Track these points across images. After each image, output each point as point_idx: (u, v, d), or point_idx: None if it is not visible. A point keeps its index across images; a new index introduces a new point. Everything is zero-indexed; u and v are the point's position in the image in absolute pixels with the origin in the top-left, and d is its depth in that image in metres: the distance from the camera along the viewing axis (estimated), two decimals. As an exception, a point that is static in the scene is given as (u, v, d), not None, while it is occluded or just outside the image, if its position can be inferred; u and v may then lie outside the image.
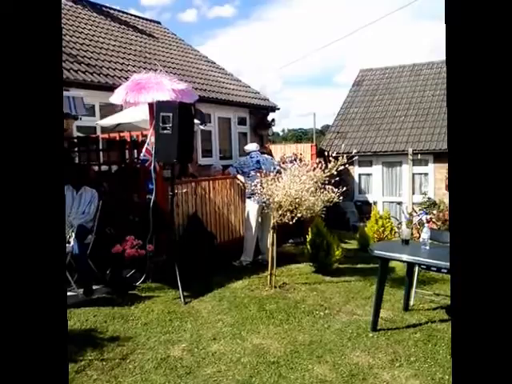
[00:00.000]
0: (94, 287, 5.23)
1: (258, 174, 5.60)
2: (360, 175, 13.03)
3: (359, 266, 6.85)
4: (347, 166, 5.35)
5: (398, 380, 3.39)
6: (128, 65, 8.96)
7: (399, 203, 12.59)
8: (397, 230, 9.56)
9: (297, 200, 5.15)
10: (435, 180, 12.16)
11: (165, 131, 4.99)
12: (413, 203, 11.58)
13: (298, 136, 55.42)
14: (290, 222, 5.20)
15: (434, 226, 9.06)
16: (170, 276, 5.24)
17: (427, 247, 4.34)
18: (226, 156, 11.08)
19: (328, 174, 5.15)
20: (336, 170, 5.18)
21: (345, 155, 5.19)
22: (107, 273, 5.49)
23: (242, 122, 11.44)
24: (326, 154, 5.27)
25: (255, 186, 5.39)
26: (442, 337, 4.14)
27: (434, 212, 10.50)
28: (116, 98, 5.50)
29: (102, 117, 8.01)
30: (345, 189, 5.34)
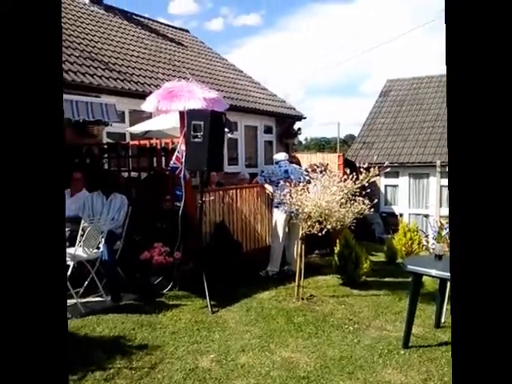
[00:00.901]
0: (122, 294, 5.24)
1: (287, 184, 5.55)
2: (386, 186, 12.87)
3: (387, 279, 6.72)
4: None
5: (433, 401, 3.28)
6: (158, 72, 9.05)
7: (426, 216, 12.38)
8: (425, 243, 9.38)
9: (326, 211, 5.08)
10: (463, 193, 11.92)
11: (196, 139, 5.00)
12: (440, 216, 11.37)
13: (321, 145, 55.25)
14: (319, 234, 5.13)
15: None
16: (196, 284, 5.22)
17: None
18: (251, 164, 11.08)
19: (359, 185, 5.07)
20: (367, 182, 5.10)
21: (377, 166, 5.11)
22: (135, 279, 5.50)
23: (268, 130, 11.44)
24: (358, 164, 5.17)
25: (284, 195, 5.34)
26: (477, 357, 4.00)
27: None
28: (148, 105, 5.54)
29: (131, 123, 8.09)
30: (376, 201, 5.25)
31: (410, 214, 12.74)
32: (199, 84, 5.90)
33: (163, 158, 6.14)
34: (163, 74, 9.19)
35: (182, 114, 5.67)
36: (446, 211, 11.38)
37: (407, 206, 12.83)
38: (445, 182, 11.71)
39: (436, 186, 11.50)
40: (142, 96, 7.54)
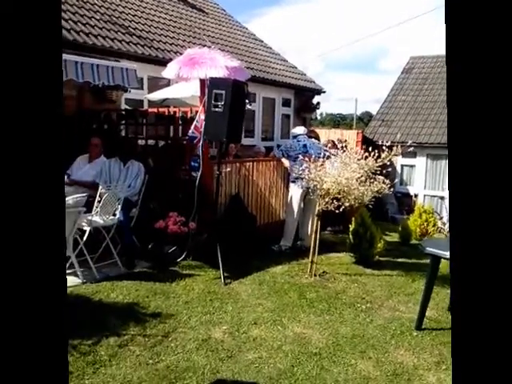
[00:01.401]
0: (136, 261, 5.26)
1: (307, 159, 5.47)
2: (402, 166, 12.69)
3: (400, 260, 6.68)
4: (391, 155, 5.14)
5: (445, 384, 3.27)
6: (178, 39, 8.89)
7: (441, 198, 12.22)
8: (440, 225, 9.28)
9: (345, 188, 5.00)
10: (482, 176, 11.73)
11: (216, 109, 4.91)
12: (456, 199, 11.18)
13: (336, 121, 54.63)
14: (337, 211, 5.07)
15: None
16: (210, 255, 5.23)
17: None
18: (267, 137, 10.96)
19: (380, 163, 4.97)
20: (389, 161, 5.00)
21: (399, 145, 5.00)
22: (149, 247, 5.52)
23: (286, 103, 11.27)
24: (380, 142, 5.06)
25: (303, 170, 5.26)
26: (491, 342, 3.97)
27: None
28: (169, 72, 5.44)
29: (149, 91, 8.00)
30: (396, 180, 5.15)
31: (425, 196, 12.59)
32: (221, 52, 5.75)
33: (181, 127, 6.06)
34: (183, 40, 9.03)
35: (202, 82, 5.57)
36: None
37: (423, 187, 12.67)
38: (463, 164, 11.49)
39: (454, 167, 11.28)
40: (162, 62, 7.44)
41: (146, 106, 8.00)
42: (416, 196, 12.65)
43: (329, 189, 5.05)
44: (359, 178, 4.97)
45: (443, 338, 4.01)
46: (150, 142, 6.60)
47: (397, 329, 4.16)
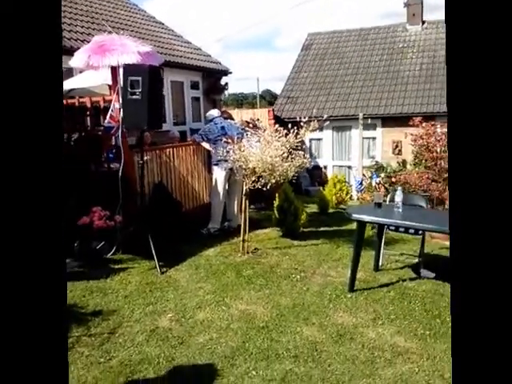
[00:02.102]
0: (63, 261, 5.02)
1: (230, 140, 5.51)
2: (311, 140, 13.18)
3: (322, 229, 7.03)
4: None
5: (384, 337, 3.56)
6: (76, 25, 8.39)
7: (349, 167, 12.94)
8: (353, 193, 9.85)
9: (270, 166, 5.14)
10: (383, 144, 12.56)
11: (134, 96, 4.77)
12: (362, 167, 11.92)
13: (239, 100, 54.90)
14: (264, 188, 5.21)
15: (383, 189, 9.41)
16: (141, 247, 5.13)
17: (400, 210, 4.51)
18: (179, 122, 10.81)
19: (300, 139, 5.17)
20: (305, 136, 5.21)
21: (315, 120, 5.22)
22: (75, 246, 5.28)
23: (194, 86, 11.15)
24: (298, 118, 5.25)
25: (227, 152, 5.32)
26: (415, 294, 4.37)
27: (382, 175, 10.92)
28: (77, 61, 5.15)
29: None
30: (315, 154, 5.39)
31: (333, 166, 13.24)
32: (131, 37, 5.55)
33: (94, 118, 5.80)
34: (82, 26, 8.54)
35: (113, 69, 5.37)
36: (366, 162, 11.95)
37: (331, 158, 13.30)
38: (365, 133, 12.22)
39: (359, 138, 11.97)
40: (64, 51, 7.00)
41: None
42: (325, 167, 13.27)
43: (254, 168, 5.16)
44: (281, 154, 5.13)
45: (374, 296, 4.35)
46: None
47: (332, 293, 4.42)
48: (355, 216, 4.36)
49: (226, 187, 6.51)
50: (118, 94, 5.38)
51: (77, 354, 3.23)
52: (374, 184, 10.09)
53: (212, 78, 11.41)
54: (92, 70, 5.56)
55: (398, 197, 4.55)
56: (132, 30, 10.01)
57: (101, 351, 3.28)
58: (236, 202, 6.62)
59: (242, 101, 54.22)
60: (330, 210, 8.37)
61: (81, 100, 5.95)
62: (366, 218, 4.32)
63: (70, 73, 7.73)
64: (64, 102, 6.11)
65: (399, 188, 4.68)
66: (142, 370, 3.06)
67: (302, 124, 5.19)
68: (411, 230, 4.97)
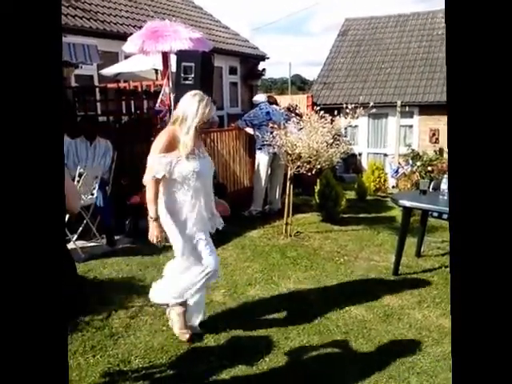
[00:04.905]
0: (117, 238, 5.29)
1: (275, 126, 5.64)
2: (346, 127, 13.13)
3: (361, 215, 7.12)
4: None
5: (430, 319, 3.67)
6: (121, 10, 8.62)
7: (385, 155, 12.90)
8: (390, 181, 9.87)
9: (315, 152, 5.26)
10: (419, 132, 12.46)
11: (186, 81, 4.94)
12: (399, 155, 11.87)
13: (268, 86, 54.60)
14: (309, 173, 5.34)
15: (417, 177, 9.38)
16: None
17: (445, 197, 4.58)
18: (217, 107, 10.95)
19: (346, 125, 5.26)
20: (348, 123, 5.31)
21: (362, 106, 5.30)
22: (126, 223, 5.54)
23: (232, 71, 11.29)
24: (344, 105, 5.34)
25: (273, 137, 5.45)
26: (458, 279, 4.45)
27: (418, 163, 10.87)
28: (131, 46, 5.34)
29: (98, 66, 7.77)
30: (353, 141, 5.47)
31: (368, 154, 13.21)
32: (182, 24, 5.71)
33: (146, 102, 6.01)
34: (126, 11, 8.76)
35: (164, 55, 5.54)
36: (402, 150, 11.89)
37: (366, 145, 13.26)
38: (402, 121, 12.13)
39: (396, 125, 11.90)
40: (110, 36, 7.25)
41: (96, 82, 7.79)
42: (360, 155, 13.25)
43: (300, 153, 5.29)
44: (328, 140, 5.24)
45: (418, 281, 4.45)
46: (105, 118, 6.47)
47: (377, 276, 4.55)
48: (402, 202, 4.45)
49: (269, 171, 6.66)
50: (168, 79, 5.56)
51: (141, 322, 3.46)
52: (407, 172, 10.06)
53: (249, 64, 11.51)
54: (143, 54, 5.73)
55: (445, 184, 4.61)
56: (173, 15, 10.18)
57: (162, 320, 3.50)
58: (278, 186, 6.77)
59: (271, 86, 53.92)
60: (368, 197, 8.43)
61: (131, 84, 6.15)
62: (412, 204, 4.41)
63: (116, 57, 7.98)
64: (115, 85, 6.34)
65: (445, 176, 4.73)
66: (203, 338, 3.27)
67: (347, 111, 5.27)
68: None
